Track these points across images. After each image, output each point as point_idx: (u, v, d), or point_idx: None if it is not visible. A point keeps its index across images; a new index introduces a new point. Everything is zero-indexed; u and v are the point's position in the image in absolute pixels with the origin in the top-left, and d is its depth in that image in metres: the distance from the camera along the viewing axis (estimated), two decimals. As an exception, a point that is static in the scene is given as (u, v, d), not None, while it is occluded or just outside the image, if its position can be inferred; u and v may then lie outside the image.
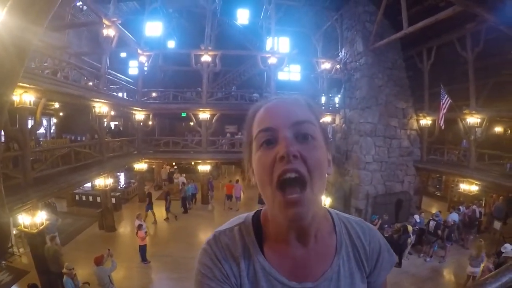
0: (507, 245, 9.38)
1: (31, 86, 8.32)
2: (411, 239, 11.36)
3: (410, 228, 11.31)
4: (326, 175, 0.82)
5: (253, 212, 0.99)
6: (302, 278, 0.87)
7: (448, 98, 12.79)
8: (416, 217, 12.47)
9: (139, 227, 10.94)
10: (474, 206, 13.08)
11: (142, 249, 10.98)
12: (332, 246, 0.93)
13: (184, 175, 18.52)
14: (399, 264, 11.11)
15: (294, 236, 0.86)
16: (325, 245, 0.92)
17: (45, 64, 12.31)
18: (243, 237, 0.90)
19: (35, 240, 8.68)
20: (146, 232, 11.07)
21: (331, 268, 0.90)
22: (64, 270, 7.68)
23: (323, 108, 18.10)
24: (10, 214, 6.48)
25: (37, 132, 13.41)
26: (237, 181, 17.24)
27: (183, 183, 17.72)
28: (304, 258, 0.88)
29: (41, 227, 8.64)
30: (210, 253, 0.86)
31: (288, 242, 0.87)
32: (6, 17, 3.56)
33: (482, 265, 9.29)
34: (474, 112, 13.11)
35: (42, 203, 11.64)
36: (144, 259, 10.98)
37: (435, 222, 11.62)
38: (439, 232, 11.44)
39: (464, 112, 13.40)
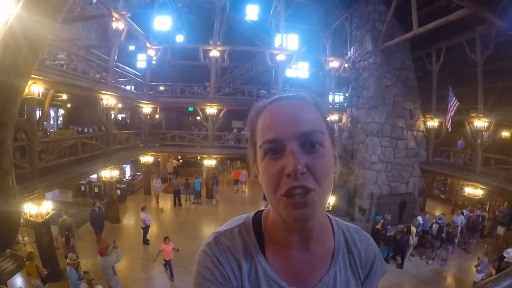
0: (509, 250, 9.34)
1: (39, 77, 8.40)
2: (414, 240, 11.33)
3: (413, 229, 11.28)
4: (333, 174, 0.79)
5: (253, 213, 0.96)
6: (301, 282, 0.86)
7: (456, 101, 12.69)
8: (420, 218, 12.43)
9: (165, 240, 9.59)
10: (478, 211, 13.03)
11: (169, 265, 9.70)
12: (330, 252, 0.93)
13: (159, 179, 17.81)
14: (401, 265, 11.11)
15: (295, 239, 0.84)
16: (324, 250, 0.92)
17: (60, 56, 12.40)
18: (243, 238, 0.88)
19: (40, 229, 8.81)
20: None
21: (328, 274, 0.89)
22: (68, 261, 7.76)
23: (330, 106, 18.05)
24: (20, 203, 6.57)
25: (44, 123, 13.47)
26: (243, 168, 20.12)
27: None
28: (304, 263, 0.87)
29: (46, 217, 8.75)
30: (211, 255, 0.83)
31: (290, 245, 0.85)
32: (20, 11, 3.58)
33: (486, 271, 9.26)
34: (481, 115, 12.99)
35: (90, 209, 11.71)
36: (172, 274, 9.73)
37: (438, 225, 11.58)
38: (443, 235, 11.41)
39: (471, 115, 13.28)
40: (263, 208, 0.97)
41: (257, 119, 0.82)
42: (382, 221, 11.81)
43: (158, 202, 16.77)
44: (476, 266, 9.54)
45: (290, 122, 0.75)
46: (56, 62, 11.96)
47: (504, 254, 9.25)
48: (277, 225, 0.86)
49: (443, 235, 11.41)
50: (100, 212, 11.81)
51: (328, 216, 0.99)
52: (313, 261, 0.88)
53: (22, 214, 8.35)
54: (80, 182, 15.95)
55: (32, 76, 7.91)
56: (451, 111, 12.83)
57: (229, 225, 0.93)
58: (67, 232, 9.67)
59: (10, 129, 4.72)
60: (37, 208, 8.44)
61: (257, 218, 0.94)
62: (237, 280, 0.83)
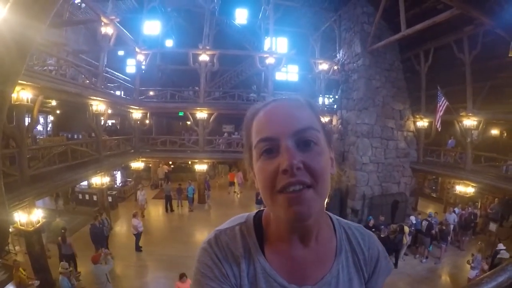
0: (500, 245, 9.49)
1: (28, 83, 8.29)
2: (407, 239, 11.39)
3: (406, 229, 11.35)
4: (330, 175, 0.78)
5: (255, 212, 0.96)
6: (301, 281, 0.86)
7: (445, 100, 12.81)
8: (412, 218, 12.52)
9: (181, 277, 6.98)
10: (470, 208, 13.17)
11: None
12: (332, 251, 0.93)
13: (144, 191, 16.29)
14: (395, 265, 11.14)
15: (295, 237, 0.84)
16: (325, 249, 0.91)
17: (49, 61, 12.28)
18: (244, 237, 0.88)
19: (31, 238, 8.65)
20: None
21: (330, 272, 0.89)
22: (60, 270, 7.67)
23: (321, 108, 18.08)
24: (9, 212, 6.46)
25: (34, 129, 13.33)
26: (238, 171, 20.61)
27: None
28: (304, 261, 0.87)
29: (37, 225, 8.62)
30: (211, 252, 0.84)
31: (289, 243, 0.85)
32: (8, 14, 3.54)
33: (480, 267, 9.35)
34: (470, 114, 13.16)
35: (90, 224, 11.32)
36: None
37: (427, 222, 11.69)
38: (433, 232, 11.49)
39: (461, 114, 13.43)
40: (263, 208, 0.97)
41: (252, 122, 0.83)
42: (372, 220, 11.89)
43: (144, 217, 15.18)
44: (469, 263, 9.62)
45: (284, 120, 0.75)
46: (45, 67, 11.84)
47: (497, 248, 9.41)
48: (276, 224, 0.86)
49: (433, 231, 11.52)
50: (101, 225, 11.05)
51: (329, 215, 0.99)
52: (314, 259, 0.88)
53: (13, 223, 8.25)
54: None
55: (21, 82, 7.83)
56: (441, 111, 12.94)
57: (230, 223, 0.94)
58: (62, 231, 9.87)
59: (-4, 135, 4.64)
60: (28, 216, 8.31)
61: (258, 217, 0.94)
62: (236, 278, 0.83)
